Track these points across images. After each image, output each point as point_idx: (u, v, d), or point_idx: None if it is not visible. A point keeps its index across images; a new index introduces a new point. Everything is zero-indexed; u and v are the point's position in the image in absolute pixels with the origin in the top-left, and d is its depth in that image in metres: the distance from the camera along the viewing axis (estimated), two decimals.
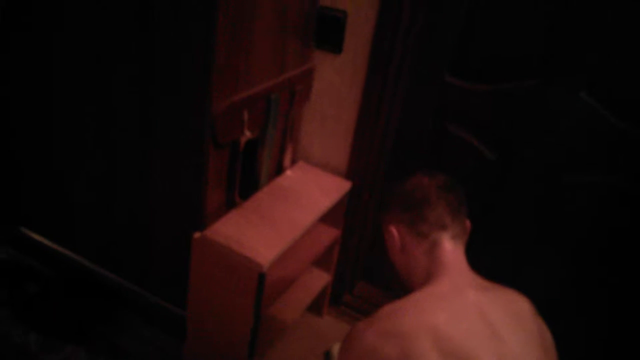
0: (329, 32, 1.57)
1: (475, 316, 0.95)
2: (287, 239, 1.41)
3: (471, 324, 0.94)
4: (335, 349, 1.69)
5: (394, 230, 1.10)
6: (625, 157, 1.46)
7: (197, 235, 1.40)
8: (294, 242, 1.44)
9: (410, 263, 1.09)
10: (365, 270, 1.96)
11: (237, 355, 1.47)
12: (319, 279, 1.81)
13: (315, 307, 1.87)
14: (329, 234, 1.72)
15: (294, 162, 1.75)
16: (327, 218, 1.67)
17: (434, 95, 1.61)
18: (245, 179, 1.51)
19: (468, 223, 1.12)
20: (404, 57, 1.56)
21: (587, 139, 1.48)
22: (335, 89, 1.65)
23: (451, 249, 1.05)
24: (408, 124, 1.67)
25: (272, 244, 1.38)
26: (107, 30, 1.37)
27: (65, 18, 1.43)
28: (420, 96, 1.63)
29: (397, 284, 1.19)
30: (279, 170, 1.69)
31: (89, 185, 1.65)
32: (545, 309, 1.71)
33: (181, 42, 1.28)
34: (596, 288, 1.65)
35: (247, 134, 1.40)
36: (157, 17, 1.28)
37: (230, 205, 1.50)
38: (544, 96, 1.48)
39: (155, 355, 1.70)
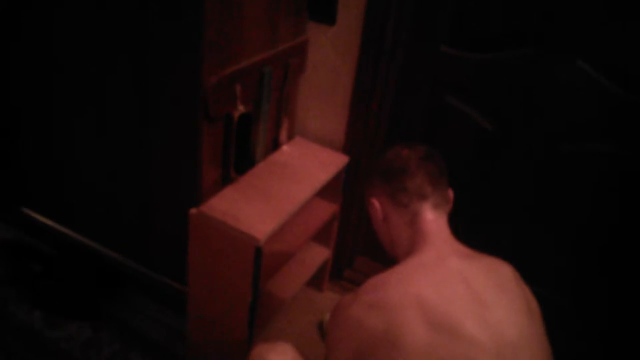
0: (322, 3, 1.55)
1: (459, 283, 0.95)
2: (284, 213, 1.42)
3: (455, 291, 0.94)
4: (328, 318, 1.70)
5: (375, 202, 1.11)
6: (623, 124, 1.44)
7: (193, 211, 1.41)
8: (291, 216, 1.44)
9: (393, 234, 1.09)
10: (366, 245, 1.96)
11: (238, 329, 1.48)
12: (319, 254, 1.82)
13: (315, 282, 1.88)
14: (327, 209, 1.72)
15: (290, 137, 1.75)
16: (325, 193, 1.67)
17: (430, 66, 1.59)
18: (241, 154, 1.50)
19: (450, 193, 1.11)
20: (398, 27, 1.53)
21: (585, 107, 1.46)
22: (330, 62, 1.63)
23: (433, 218, 1.05)
24: (404, 96, 1.66)
25: (269, 218, 1.38)
26: (105, 7, 1.36)
27: None
28: (416, 67, 1.61)
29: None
30: (275, 145, 1.68)
31: (89, 165, 1.66)
32: (545, 283, 1.72)
33: (171, 14, 1.26)
34: (596, 259, 1.65)
35: (241, 108, 1.39)
36: None
37: (226, 180, 1.50)
38: (541, 64, 1.46)
39: (158, 330, 1.72)
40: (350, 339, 0.98)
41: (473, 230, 1.45)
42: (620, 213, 1.55)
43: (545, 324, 1.02)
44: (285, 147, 1.69)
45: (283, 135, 1.68)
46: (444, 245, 1.03)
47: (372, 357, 0.93)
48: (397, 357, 0.90)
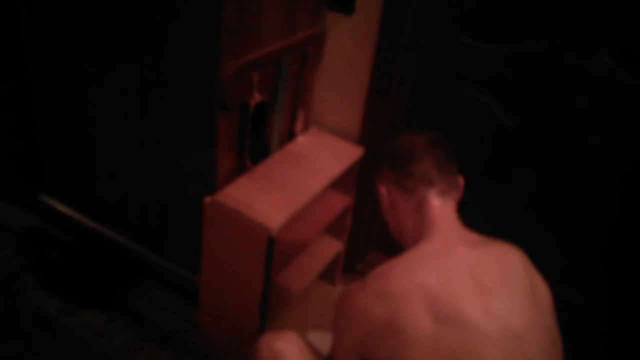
0: None
1: (465, 273, 0.94)
2: (297, 204, 1.41)
3: (460, 281, 0.93)
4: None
5: (383, 188, 1.11)
6: None
7: (208, 199, 1.41)
8: (304, 207, 1.43)
9: (401, 221, 1.09)
10: (379, 238, 1.95)
11: (249, 319, 1.48)
12: (332, 247, 1.81)
13: (328, 275, 1.87)
14: (341, 201, 1.71)
15: (306, 127, 1.74)
16: (339, 185, 1.66)
17: (448, 57, 1.57)
18: (257, 144, 1.50)
19: (460, 179, 1.10)
20: (417, 18, 1.51)
21: (606, 99, 1.43)
22: (347, 52, 1.61)
23: (439, 204, 1.04)
24: (422, 88, 1.64)
25: (282, 208, 1.38)
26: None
27: None
28: (435, 58, 1.58)
29: None
30: (290, 135, 1.67)
31: (106, 153, 1.67)
32: (563, 280, 1.69)
33: (190, 2, 1.26)
34: (620, 253, 1.61)
35: (257, 96, 1.39)
36: None
37: (241, 169, 1.50)
38: (561, 56, 1.43)
39: (171, 319, 1.73)
40: (356, 328, 0.98)
41: (490, 222, 1.43)
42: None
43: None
44: (300, 138, 1.68)
45: (299, 125, 1.67)
46: (451, 233, 1.02)
47: (377, 346, 0.93)
48: (401, 347, 0.90)
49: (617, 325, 1.69)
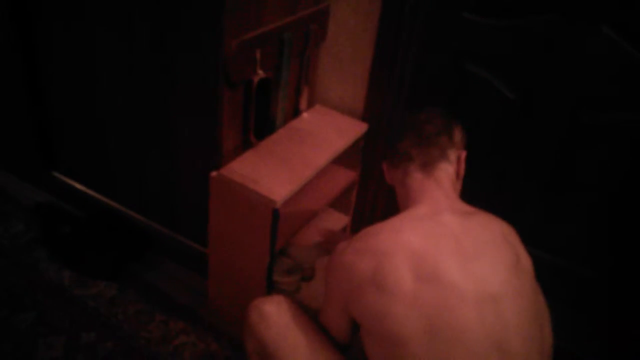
0: None
1: (448, 236, 0.99)
2: (301, 178, 1.44)
3: (442, 243, 0.98)
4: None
5: (384, 164, 1.23)
6: None
7: (214, 174, 1.45)
8: (309, 181, 1.47)
9: (397, 194, 1.19)
10: (384, 213, 1.98)
11: (255, 290, 1.53)
12: (338, 221, 1.85)
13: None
14: (346, 176, 1.74)
15: (310, 104, 1.76)
16: (343, 160, 1.69)
17: (451, 33, 1.58)
18: (261, 120, 1.53)
19: (462, 154, 1.17)
20: None
21: (610, 75, 1.43)
22: (350, 29, 1.63)
23: (421, 177, 1.12)
24: (425, 64, 1.65)
25: (286, 182, 1.41)
26: None
27: None
28: (438, 34, 1.59)
29: None
30: (295, 112, 1.70)
31: (115, 130, 1.70)
32: (561, 251, 1.71)
33: None
34: (619, 230, 1.63)
35: (260, 73, 1.41)
36: None
37: (246, 145, 1.53)
38: (565, 31, 1.43)
39: (181, 291, 1.79)
40: (343, 282, 1.04)
41: (493, 197, 1.46)
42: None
43: (539, 282, 1.06)
44: (305, 114, 1.71)
45: (303, 102, 1.69)
46: (437, 201, 1.08)
47: (361, 298, 0.98)
48: (382, 300, 0.95)
49: (618, 299, 1.72)
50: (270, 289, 1.54)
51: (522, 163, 1.66)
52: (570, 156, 1.59)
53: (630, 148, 1.50)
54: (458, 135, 1.18)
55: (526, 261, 1.06)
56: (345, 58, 1.68)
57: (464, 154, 1.17)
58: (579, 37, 1.42)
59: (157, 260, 1.86)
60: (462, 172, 1.18)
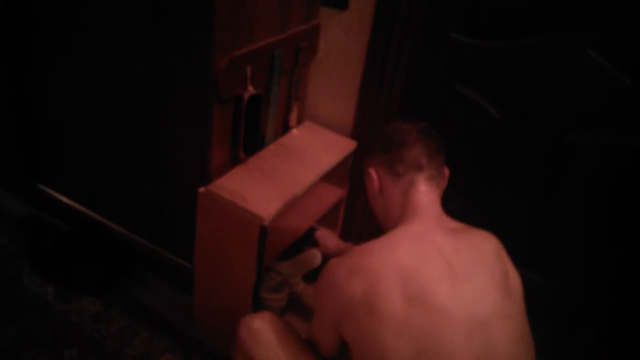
0: None
1: (438, 258, 0.98)
2: (290, 195, 1.44)
3: (433, 265, 0.97)
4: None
5: (373, 172, 1.14)
6: (633, 116, 1.43)
7: (202, 189, 1.44)
8: (297, 197, 1.46)
9: (387, 205, 1.13)
10: (372, 231, 1.98)
11: (242, 307, 1.51)
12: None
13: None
14: (334, 194, 1.74)
15: (300, 121, 1.76)
16: (332, 177, 1.69)
17: (440, 53, 1.59)
18: (250, 136, 1.53)
19: (446, 170, 1.14)
20: (410, 13, 1.53)
21: (595, 96, 1.46)
22: (341, 47, 1.64)
23: (426, 190, 1.08)
24: (414, 82, 1.66)
25: (275, 199, 1.41)
26: None
27: None
28: (427, 53, 1.61)
29: None
30: (285, 129, 1.70)
31: (103, 143, 1.69)
32: (549, 271, 1.72)
33: None
34: (604, 249, 1.64)
35: (250, 89, 1.41)
36: None
37: (235, 161, 1.52)
38: (551, 53, 1.45)
39: (167, 307, 1.76)
40: (333, 301, 1.03)
41: (480, 216, 1.46)
42: (629, 204, 1.55)
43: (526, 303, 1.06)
44: (294, 131, 1.71)
45: (293, 118, 1.70)
46: (431, 220, 1.06)
47: (351, 319, 0.97)
48: (372, 323, 0.94)
49: (606, 317, 1.72)
50: (257, 306, 1.52)
51: (509, 182, 1.68)
52: (557, 176, 1.60)
53: (616, 168, 1.51)
54: (444, 151, 1.16)
55: (515, 278, 1.06)
56: (335, 75, 1.69)
57: (447, 172, 1.16)
58: (564, 58, 1.45)
59: (142, 275, 1.84)
60: (444, 189, 1.16)
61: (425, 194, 1.08)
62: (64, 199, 1.92)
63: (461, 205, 1.67)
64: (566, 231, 1.67)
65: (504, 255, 1.07)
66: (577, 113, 1.50)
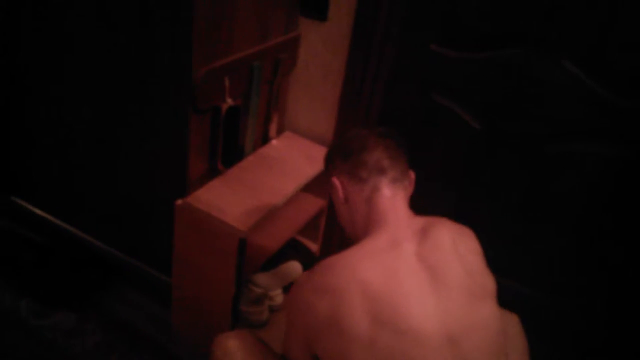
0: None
1: (407, 272, 0.95)
2: (269, 206, 1.42)
3: (401, 281, 0.94)
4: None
5: (336, 181, 1.10)
6: (609, 126, 1.45)
7: (179, 202, 1.42)
8: (277, 209, 1.45)
9: (353, 214, 1.09)
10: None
11: (221, 320, 1.49)
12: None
13: None
14: (315, 204, 1.73)
15: (280, 131, 1.75)
16: (312, 188, 1.68)
17: (419, 64, 1.60)
18: (229, 147, 1.51)
19: (412, 174, 1.12)
20: (389, 25, 1.54)
21: (571, 108, 1.47)
22: (321, 58, 1.64)
23: (390, 194, 1.05)
24: (394, 94, 1.67)
25: (254, 211, 1.39)
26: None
27: None
28: (406, 65, 1.62)
29: None
30: (265, 139, 1.69)
31: (78, 156, 1.66)
32: (531, 281, 1.73)
33: (163, 5, 1.27)
34: (583, 257, 1.66)
35: (229, 101, 1.40)
36: None
37: (213, 173, 1.51)
38: (528, 65, 1.47)
39: (144, 320, 1.73)
40: (302, 321, 1.00)
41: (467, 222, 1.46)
42: (606, 213, 1.57)
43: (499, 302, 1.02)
44: (274, 142, 1.70)
45: (273, 129, 1.69)
46: (399, 227, 1.02)
47: (321, 338, 0.95)
48: (341, 342, 0.91)
49: (589, 328, 1.74)
50: (237, 319, 1.50)
51: (489, 193, 1.68)
52: (537, 186, 1.61)
53: (596, 177, 1.53)
54: (407, 154, 1.12)
55: (488, 280, 1.01)
56: (316, 86, 1.68)
57: (413, 175, 1.12)
58: (541, 70, 1.46)
59: (120, 288, 1.80)
60: (411, 192, 1.13)
61: (390, 198, 1.04)
62: (38, 211, 1.88)
63: (443, 216, 1.69)
64: (547, 241, 1.68)
65: (475, 250, 1.04)
66: (556, 124, 1.52)
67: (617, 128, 1.45)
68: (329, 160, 1.16)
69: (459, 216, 1.70)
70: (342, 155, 1.10)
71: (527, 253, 1.71)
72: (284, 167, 1.59)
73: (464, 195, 1.72)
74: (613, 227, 1.58)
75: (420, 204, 1.69)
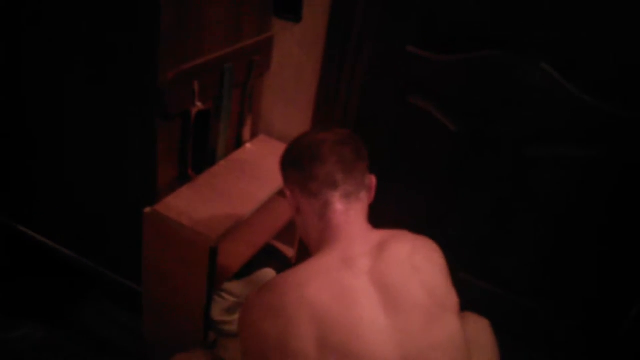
0: (287, 0, 1.52)
1: (360, 292, 0.89)
2: (242, 213, 1.39)
3: (352, 301, 0.88)
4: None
5: (288, 191, 1.05)
6: (588, 129, 1.44)
7: (147, 210, 1.37)
8: (250, 215, 1.41)
9: (306, 227, 1.04)
10: None
11: (193, 330, 1.45)
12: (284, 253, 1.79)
13: None
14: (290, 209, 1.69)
15: (254, 135, 1.71)
16: None
17: (395, 66, 1.57)
18: (200, 153, 1.47)
19: (373, 179, 1.05)
20: (364, 26, 1.51)
21: (549, 110, 1.45)
22: (295, 60, 1.60)
23: (342, 209, 0.98)
24: (370, 96, 1.64)
25: (225, 218, 1.35)
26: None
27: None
28: (382, 66, 1.59)
29: None
30: (238, 143, 1.65)
31: (44, 163, 1.61)
32: (509, 285, 1.71)
33: (127, 8, 1.22)
34: (561, 260, 1.65)
35: (199, 104, 1.36)
36: None
37: (183, 179, 1.46)
38: (505, 67, 1.45)
39: (115, 330, 1.68)
40: (252, 342, 0.94)
41: (440, 228, 1.44)
42: (582, 215, 1.56)
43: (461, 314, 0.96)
44: (248, 145, 1.66)
45: (246, 133, 1.65)
46: (353, 243, 0.96)
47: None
48: None
49: (562, 329, 1.73)
50: (209, 329, 1.46)
51: (466, 195, 1.66)
52: (516, 188, 1.60)
53: (573, 181, 1.52)
54: (367, 158, 1.05)
55: (442, 293, 0.94)
56: (290, 88, 1.65)
57: (374, 180, 1.06)
58: (519, 72, 1.44)
59: (90, 299, 1.75)
60: (372, 198, 1.06)
61: (343, 212, 0.98)
62: (6, 221, 1.82)
63: (421, 219, 1.67)
64: (525, 244, 1.66)
65: (437, 262, 0.97)
66: (534, 127, 1.50)
67: (596, 131, 1.43)
68: (282, 166, 1.08)
69: (434, 218, 1.69)
70: (294, 164, 1.04)
71: (502, 254, 1.70)
72: (258, 171, 1.55)
73: (440, 197, 1.69)
74: (589, 229, 1.57)
75: (394, 208, 1.68)
